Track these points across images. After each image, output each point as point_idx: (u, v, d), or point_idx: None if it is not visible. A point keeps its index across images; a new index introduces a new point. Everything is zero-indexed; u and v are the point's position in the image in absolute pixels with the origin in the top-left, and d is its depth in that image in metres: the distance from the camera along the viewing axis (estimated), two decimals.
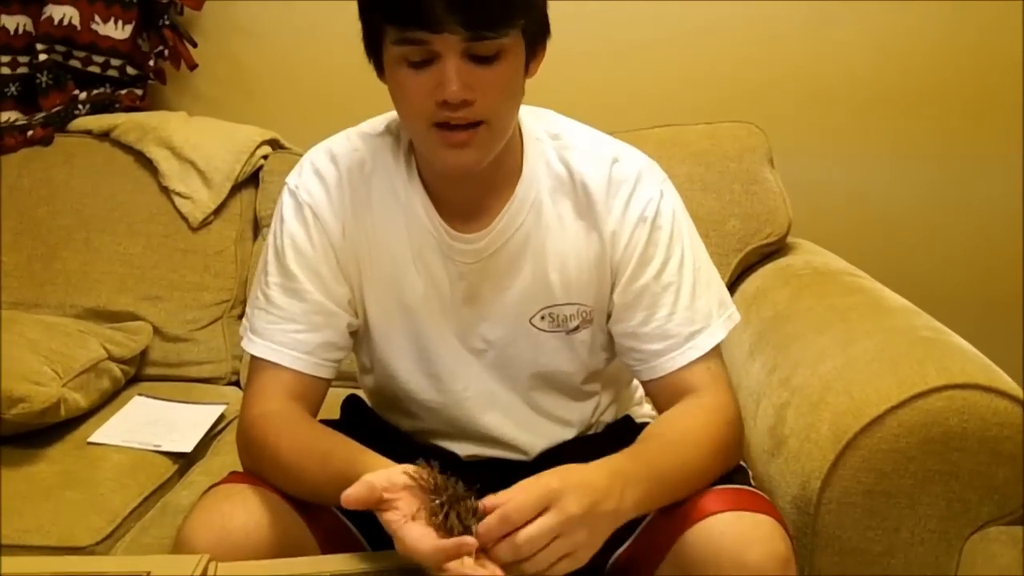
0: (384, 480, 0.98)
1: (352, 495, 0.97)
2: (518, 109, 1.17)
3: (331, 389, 1.27)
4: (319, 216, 1.23)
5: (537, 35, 1.14)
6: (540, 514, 0.95)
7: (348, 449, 1.11)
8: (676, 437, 1.14)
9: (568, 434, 1.34)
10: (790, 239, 1.93)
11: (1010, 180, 2.26)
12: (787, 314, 1.61)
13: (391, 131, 1.26)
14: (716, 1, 2.18)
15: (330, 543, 1.17)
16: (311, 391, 1.22)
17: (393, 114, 1.26)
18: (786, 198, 1.89)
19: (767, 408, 1.41)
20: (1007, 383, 1.22)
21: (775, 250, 1.91)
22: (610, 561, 1.19)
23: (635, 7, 2.18)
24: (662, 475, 1.08)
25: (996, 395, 1.20)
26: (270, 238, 1.26)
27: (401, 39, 1.07)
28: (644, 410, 1.49)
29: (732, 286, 1.85)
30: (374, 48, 1.14)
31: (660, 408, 1.25)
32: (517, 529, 0.94)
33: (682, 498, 1.10)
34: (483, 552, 0.95)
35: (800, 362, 1.43)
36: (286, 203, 1.25)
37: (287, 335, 1.21)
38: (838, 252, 1.91)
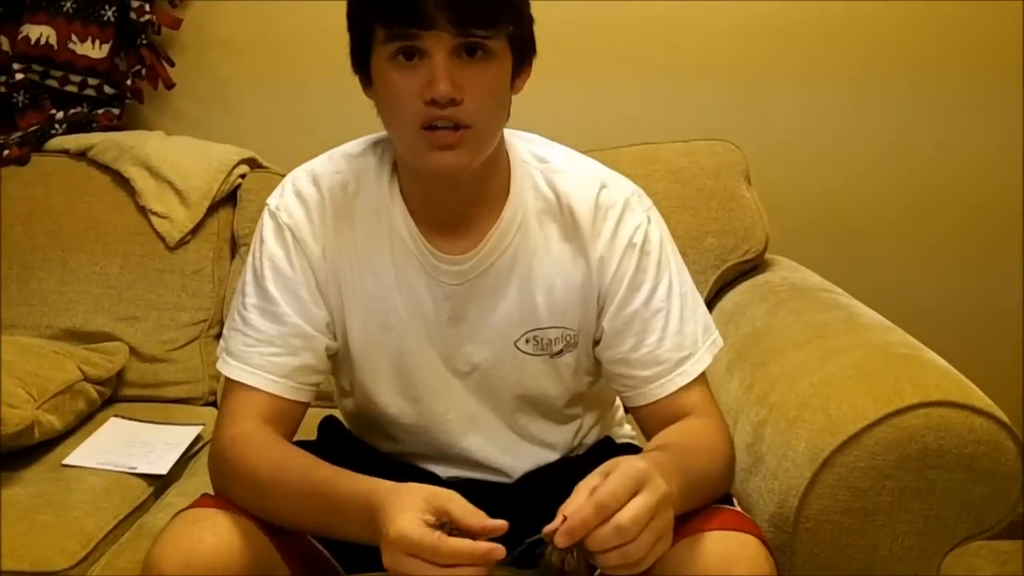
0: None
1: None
2: (504, 118, 1.18)
3: (308, 410, 1.26)
4: (299, 238, 1.22)
5: (524, 49, 1.17)
6: (632, 496, 0.94)
7: (327, 468, 1.10)
8: (694, 445, 1.14)
9: (551, 457, 1.34)
10: (767, 255, 1.94)
11: (989, 193, 2.28)
12: (765, 330, 1.62)
13: (374, 152, 1.26)
14: (691, 14, 2.19)
15: (302, 568, 1.16)
16: (286, 415, 1.21)
17: (375, 136, 1.27)
18: (763, 214, 1.90)
19: (745, 425, 1.41)
20: (982, 400, 1.23)
21: (753, 267, 1.91)
22: (595, 574, 1.19)
23: (611, 25, 2.19)
24: (688, 477, 1.07)
25: (971, 412, 1.21)
26: (249, 259, 1.25)
27: (391, 37, 1.09)
28: (624, 431, 1.49)
29: (710, 303, 1.86)
30: (362, 56, 1.15)
31: (649, 433, 1.25)
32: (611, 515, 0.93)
33: (695, 508, 1.10)
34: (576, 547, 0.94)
35: (777, 379, 1.43)
36: (266, 224, 1.24)
37: (264, 358, 1.20)
38: (815, 268, 1.91)
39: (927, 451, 1.20)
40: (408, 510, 0.96)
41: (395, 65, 1.10)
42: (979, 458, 1.20)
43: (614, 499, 0.94)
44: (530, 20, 1.17)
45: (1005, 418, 1.22)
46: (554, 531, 0.95)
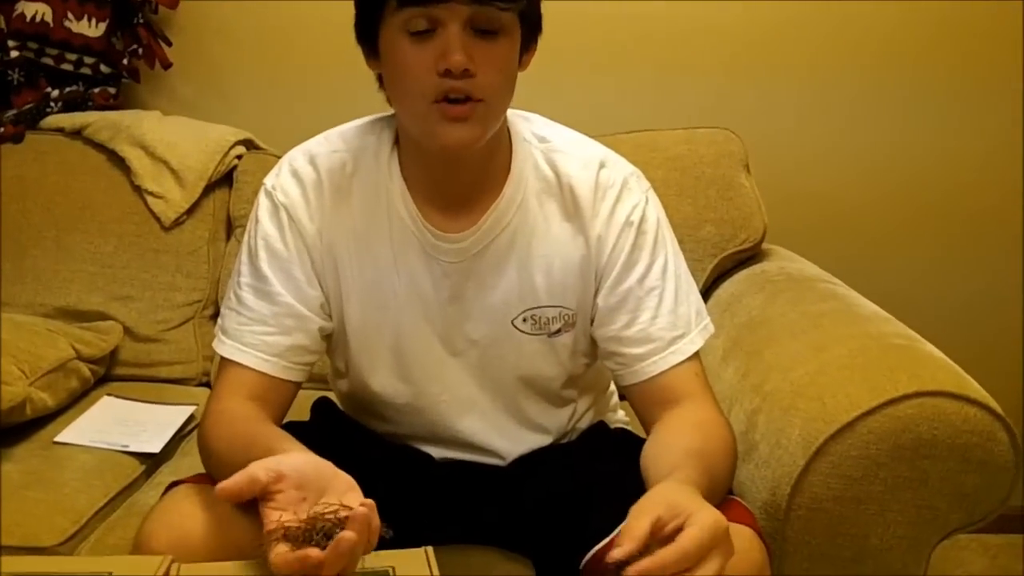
0: (269, 470, 0.96)
1: (229, 487, 0.94)
2: (512, 93, 1.18)
3: (301, 391, 1.26)
4: (295, 218, 1.22)
5: (533, 26, 1.17)
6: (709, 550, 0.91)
7: (269, 438, 1.09)
8: (719, 451, 1.15)
9: (544, 441, 1.34)
10: (765, 245, 1.94)
11: (987, 186, 2.28)
12: (760, 320, 1.62)
13: (372, 131, 1.26)
14: (694, 4, 2.19)
15: None
16: (275, 393, 1.21)
17: (372, 117, 1.27)
18: (761, 204, 1.90)
19: (739, 413, 1.41)
20: (977, 391, 1.23)
21: (750, 256, 1.91)
22: (586, 558, 1.19)
23: (613, 11, 2.18)
24: (714, 491, 1.08)
25: (966, 403, 1.21)
26: (245, 238, 1.26)
27: (404, 7, 1.08)
28: (618, 416, 1.50)
29: (707, 292, 1.86)
30: (369, 25, 1.14)
31: (642, 414, 1.25)
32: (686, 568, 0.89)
33: None
34: None
35: (772, 367, 1.43)
36: (262, 204, 1.24)
37: (256, 337, 1.21)
38: (813, 259, 1.92)
39: (920, 441, 1.20)
40: (267, 541, 0.93)
41: (407, 37, 1.10)
42: (972, 449, 1.20)
43: (699, 552, 0.89)
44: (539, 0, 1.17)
45: (999, 409, 1.22)
46: (618, 561, 0.90)
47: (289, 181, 1.23)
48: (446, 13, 1.07)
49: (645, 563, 0.89)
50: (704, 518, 0.92)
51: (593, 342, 1.29)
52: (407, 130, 1.19)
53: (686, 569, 0.89)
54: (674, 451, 1.12)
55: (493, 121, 1.15)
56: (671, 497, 0.95)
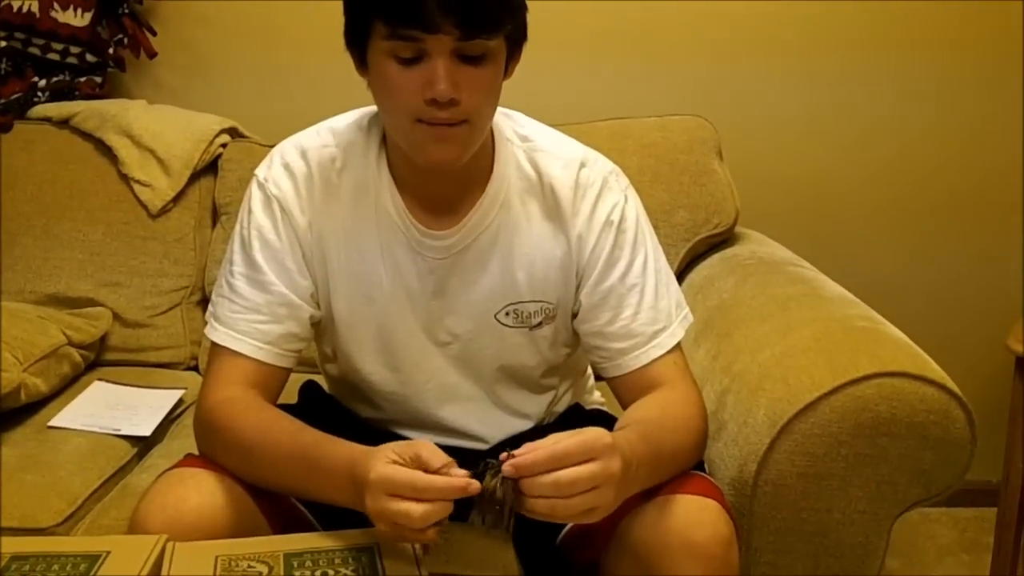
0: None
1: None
2: (496, 107, 1.20)
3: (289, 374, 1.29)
4: (286, 210, 1.24)
5: (519, 39, 1.18)
6: (585, 462, 0.99)
7: (311, 432, 1.14)
8: (671, 424, 1.18)
9: (525, 425, 1.38)
10: (739, 229, 1.98)
11: (957, 171, 2.32)
12: (732, 303, 1.66)
13: (362, 127, 1.27)
14: None
15: (283, 527, 1.19)
16: (271, 380, 1.24)
17: (362, 110, 1.29)
18: (734, 189, 1.94)
19: (709, 394, 1.46)
20: (935, 371, 1.28)
21: (723, 240, 1.95)
22: (561, 534, 1.24)
23: (588, 1, 2.21)
24: (659, 459, 1.12)
25: (924, 383, 1.26)
26: (237, 228, 1.27)
27: (392, 35, 1.09)
28: (594, 397, 1.53)
29: (681, 275, 1.90)
30: (358, 40, 1.16)
31: (624, 402, 1.28)
32: (559, 468, 0.98)
33: (666, 480, 1.15)
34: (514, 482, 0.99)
35: (741, 349, 1.48)
36: (254, 195, 1.26)
37: (250, 325, 1.23)
38: (786, 241, 1.96)
39: (880, 419, 1.25)
40: (384, 458, 1.01)
41: (394, 60, 1.11)
42: (930, 427, 1.25)
43: (567, 456, 0.98)
44: (525, 11, 1.18)
45: (956, 388, 1.27)
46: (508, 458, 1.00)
47: (281, 174, 1.25)
48: (433, 44, 1.08)
49: (519, 459, 0.98)
50: (591, 434, 1.00)
51: (573, 333, 1.33)
52: (393, 138, 1.22)
53: (557, 468, 0.98)
54: (625, 419, 1.18)
55: (477, 139, 1.17)
56: (584, 429, 1.02)
